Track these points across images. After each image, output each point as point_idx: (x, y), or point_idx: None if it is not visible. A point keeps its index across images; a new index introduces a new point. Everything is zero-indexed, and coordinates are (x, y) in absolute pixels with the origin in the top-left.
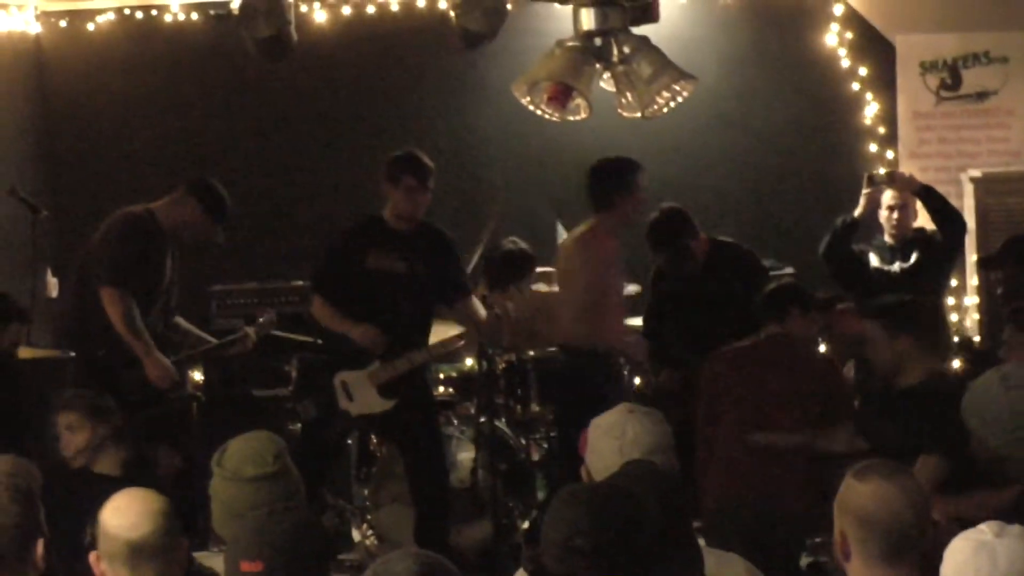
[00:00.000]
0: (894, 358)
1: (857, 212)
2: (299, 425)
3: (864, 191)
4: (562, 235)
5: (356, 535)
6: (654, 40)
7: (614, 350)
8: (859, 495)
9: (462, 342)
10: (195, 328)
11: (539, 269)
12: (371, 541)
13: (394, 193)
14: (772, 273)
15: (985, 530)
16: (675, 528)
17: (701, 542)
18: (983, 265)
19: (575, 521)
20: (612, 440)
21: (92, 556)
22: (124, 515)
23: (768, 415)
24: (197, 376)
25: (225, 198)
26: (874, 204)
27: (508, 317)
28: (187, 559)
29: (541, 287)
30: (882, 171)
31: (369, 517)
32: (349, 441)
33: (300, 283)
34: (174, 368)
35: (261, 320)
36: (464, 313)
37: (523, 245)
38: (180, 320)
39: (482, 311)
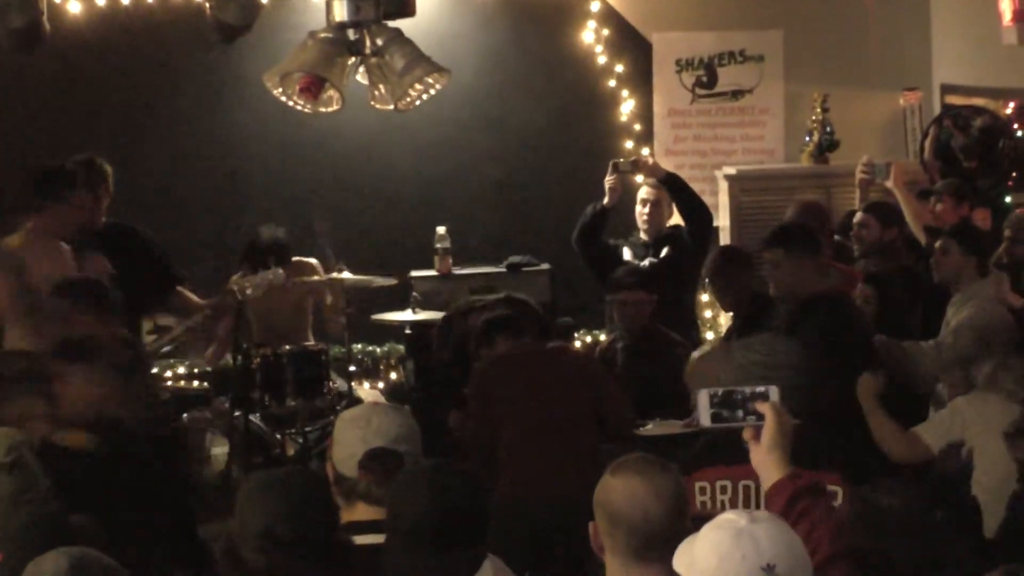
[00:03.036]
0: None
1: (606, 200)
2: None
3: (608, 179)
4: None
5: None
6: (412, 35)
7: None
8: (610, 490)
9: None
10: None
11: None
12: None
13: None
14: (528, 269)
15: (734, 518)
16: None
17: None
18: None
19: (273, 509)
20: (356, 430)
21: None
22: None
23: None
24: None
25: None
26: (619, 192)
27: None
28: None
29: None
30: (629, 159)
31: None
32: None
33: None
34: None
35: None
36: (183, 304)
37: (280, 233)
38: None
39: (195, 298)
